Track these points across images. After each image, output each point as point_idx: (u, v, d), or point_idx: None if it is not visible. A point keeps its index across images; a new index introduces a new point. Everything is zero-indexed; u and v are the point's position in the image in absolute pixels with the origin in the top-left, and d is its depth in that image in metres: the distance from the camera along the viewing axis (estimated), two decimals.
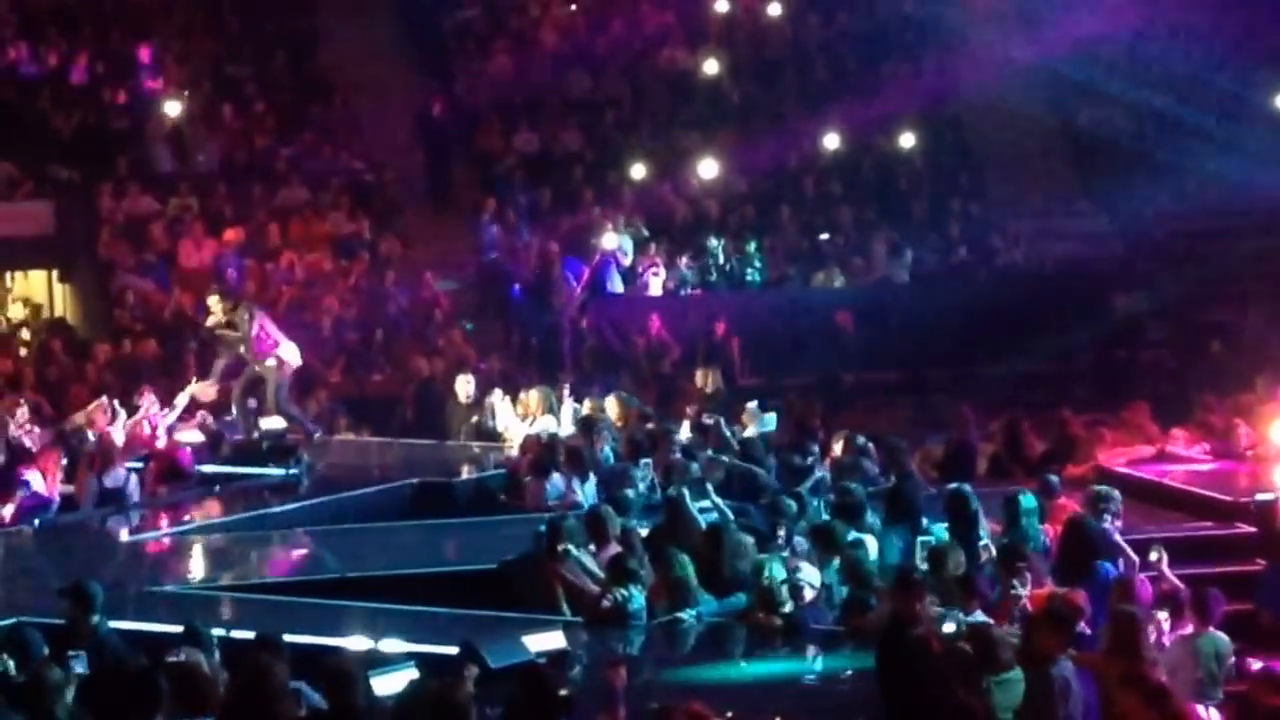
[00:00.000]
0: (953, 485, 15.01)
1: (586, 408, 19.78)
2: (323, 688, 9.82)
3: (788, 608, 12.79)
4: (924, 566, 13.14)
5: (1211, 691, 12.09)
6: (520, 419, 20.00)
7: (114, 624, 11.74)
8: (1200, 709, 11.79)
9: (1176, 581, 13.13)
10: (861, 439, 17.80)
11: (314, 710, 9.79)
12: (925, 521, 14.74)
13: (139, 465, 18.06)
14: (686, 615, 12.99)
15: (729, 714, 9.78)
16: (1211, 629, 12.31)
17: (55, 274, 27.09)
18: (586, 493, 16.70)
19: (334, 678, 9.68)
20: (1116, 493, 14.52)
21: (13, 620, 12.21)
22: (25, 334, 25.59)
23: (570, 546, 13.59)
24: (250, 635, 11.30)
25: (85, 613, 11.49)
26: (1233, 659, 12.32)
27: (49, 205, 26.50)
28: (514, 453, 18.68)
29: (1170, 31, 30.33)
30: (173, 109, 28.16)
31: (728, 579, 13.55)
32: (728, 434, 17.90)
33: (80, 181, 27.08)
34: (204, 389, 20.21)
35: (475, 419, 20.65)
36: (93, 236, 26.58)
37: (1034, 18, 31.42)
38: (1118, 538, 14.02)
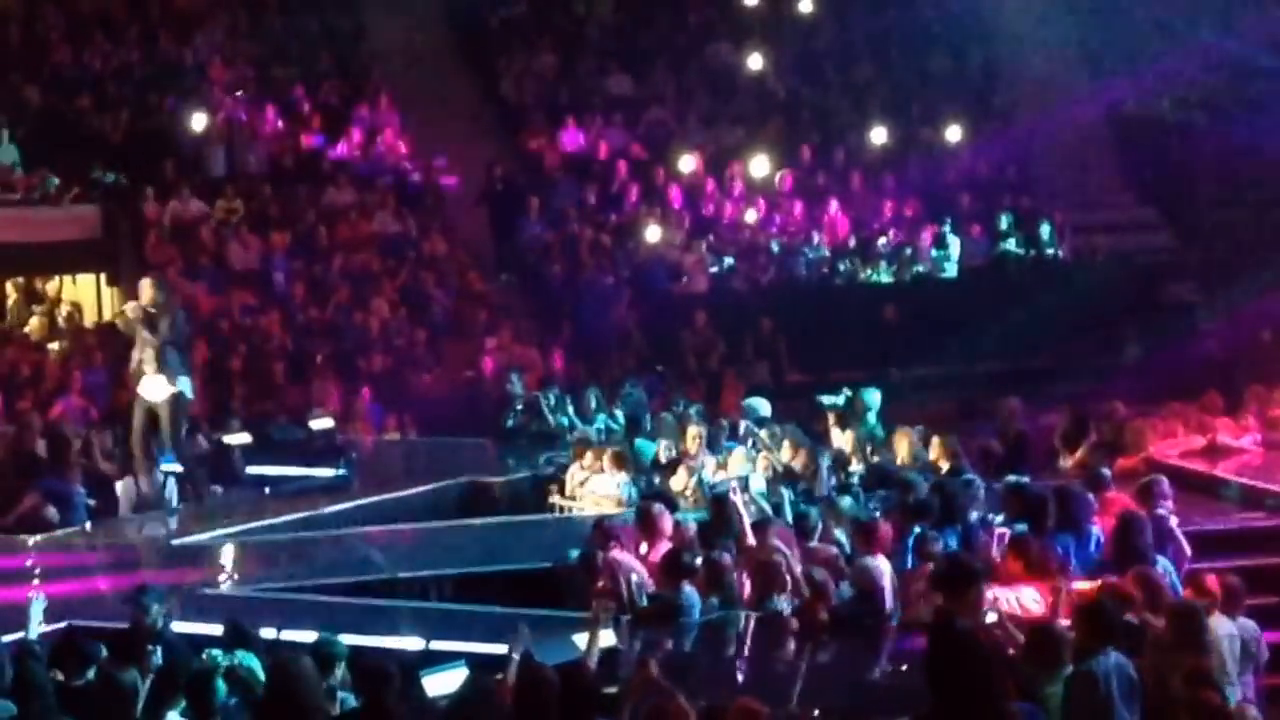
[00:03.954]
0: (1010, 478, 14.95)
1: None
2: (357, 686, 9.84)
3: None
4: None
5: (1240, 678, 11.91)
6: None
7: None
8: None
9: None
10: (915, 435, 17.79)
11: (347, 710, 9.79)
12: (991, 517, 14.66)
13: (176, 469, 17.91)
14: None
15: (776, 709, 9.73)
16: (1232, 618, 12.09)
17: (104, 278, 27.16)
18: None
19: (367, 677, 9.68)
20: (1166, 481, 14.44)
21: (64, 625, 12.27)
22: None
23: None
24: (298, 636, 11.32)
25: (146, 616, 11.53)
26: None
27: (96, 209, 26.57)
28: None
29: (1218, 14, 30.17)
30: (219, 112, 28.26)
31: None
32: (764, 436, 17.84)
33: (127, 185, 27.16)
34: None
35: (526, 418, 20.60)
36: (140, 240, 26.66)
37: (1078, 7, 31.32)
38: (1173, 524, 13.93)
